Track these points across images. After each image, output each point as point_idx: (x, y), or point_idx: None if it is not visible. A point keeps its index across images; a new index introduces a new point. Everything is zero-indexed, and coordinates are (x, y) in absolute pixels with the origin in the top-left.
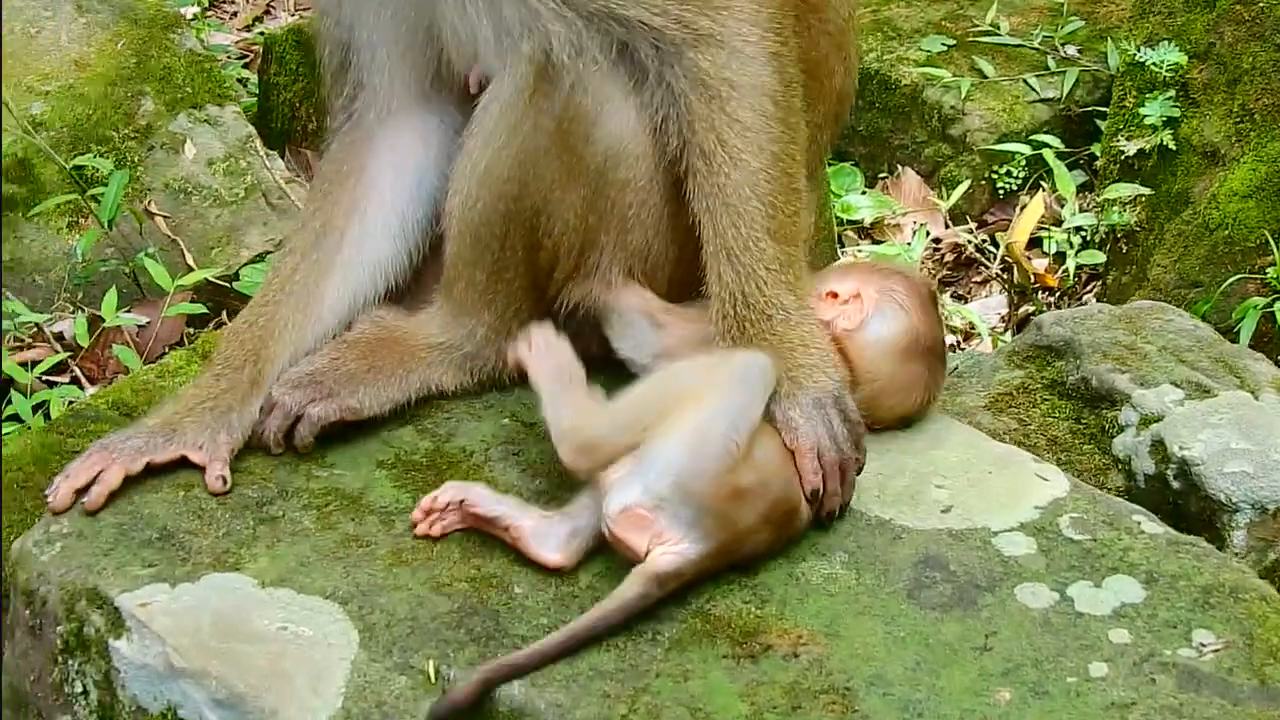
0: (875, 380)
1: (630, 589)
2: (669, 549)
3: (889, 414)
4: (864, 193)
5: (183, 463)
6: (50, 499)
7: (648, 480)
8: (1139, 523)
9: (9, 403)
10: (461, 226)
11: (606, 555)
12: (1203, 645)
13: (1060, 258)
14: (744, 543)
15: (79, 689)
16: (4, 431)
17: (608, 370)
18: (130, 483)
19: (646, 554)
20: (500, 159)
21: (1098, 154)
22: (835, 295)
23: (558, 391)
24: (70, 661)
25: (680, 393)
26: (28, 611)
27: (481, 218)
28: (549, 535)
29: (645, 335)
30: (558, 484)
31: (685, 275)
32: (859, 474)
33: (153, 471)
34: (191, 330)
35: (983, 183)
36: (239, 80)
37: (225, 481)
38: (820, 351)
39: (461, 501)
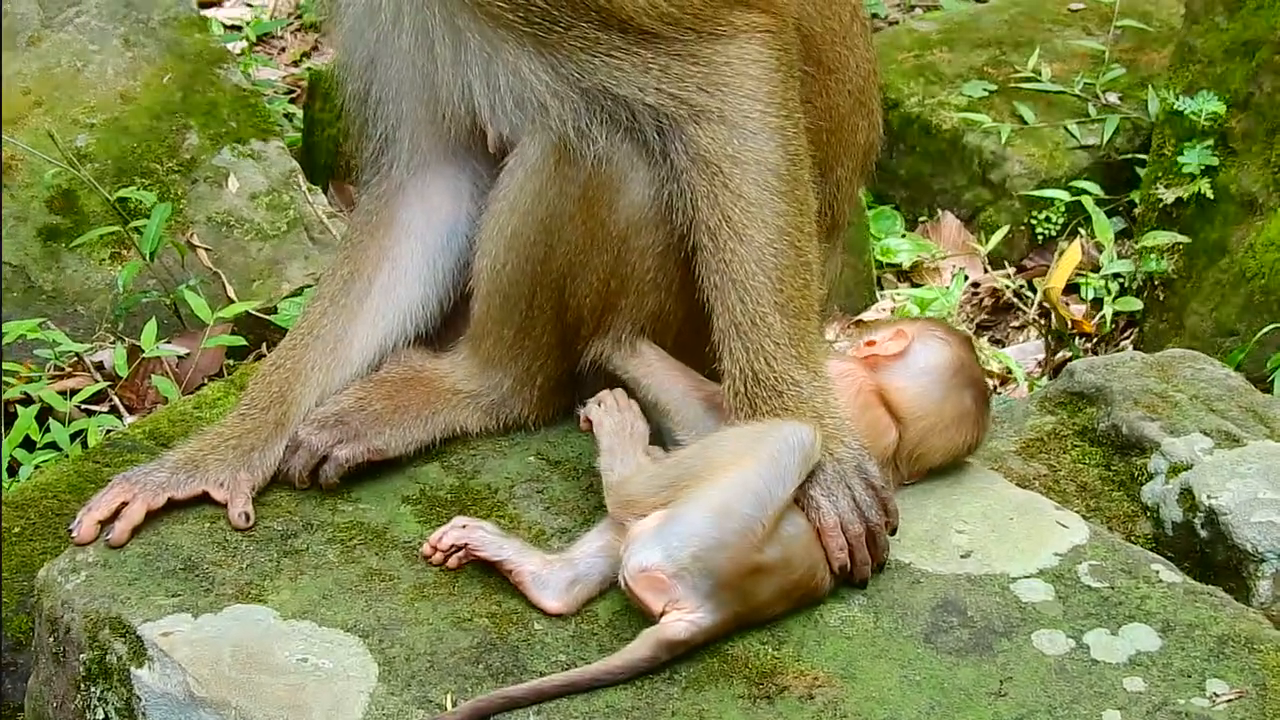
0: (923, 417)
1: (639, 650)
2: (683, 616)
3: (939, 454)
4: (904, 236)
5: (204, 499)
6: (74, 532)
7: (670, 546)
8: (1157, 571)
9: (46, 430)
10: (490, 287)
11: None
12: (1216, 695)
13: (1097, 304)
14: (760, 614)
15: (100, 716)
16: (41, 459)
17: None
18: (156, 514)
19: (661, 614)
20: (527, 223)
21: (1136, 201)
22: (874, 344)
23: (615, 447)
24: (92, 689)
25: (720, 460)
26: (51, 639)
27: (510, 280)
28: (549, 582)
29: (705, 421)
30: (580, 522)
31: (691, 335)
32: (892, 534)
33: (174, 505)
34: (231, 362)
35: (1022, 228)
36: (285, 115)
37: (248, 518)
38: (835, 421)
39: (466, 545)
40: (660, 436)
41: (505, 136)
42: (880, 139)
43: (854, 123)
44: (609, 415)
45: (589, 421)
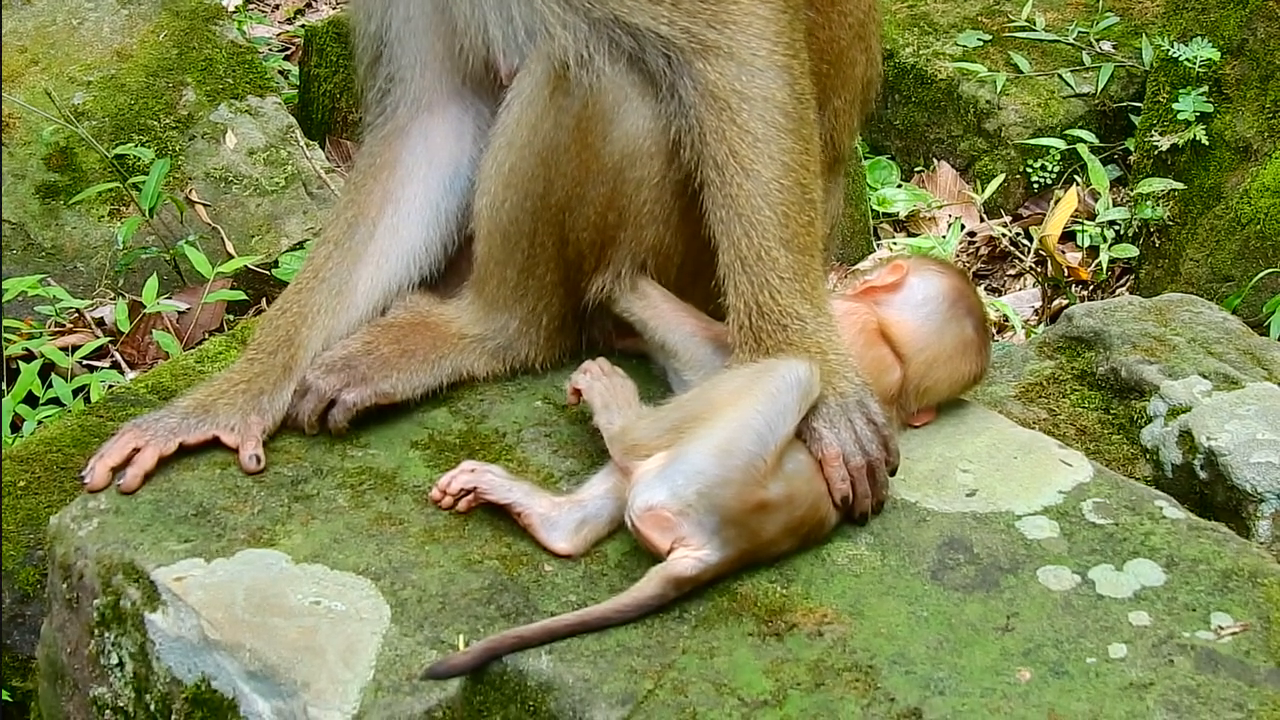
0: (925, 349)
1: (647, 588)
2: (690, 553)
3: (944, 387)
4: (900, 186)
5: (215, 444)
6: (87, 479)
7: (675, 484)
8: (1161, 508)
9: (49, 386)
10: (491, 227)
11: (632, 535)
12: (1221, 628)
13: (1093, 251)
14: (766, 551)
15: (115, 661)
16: (44, 415)
17: (624, 365)
18: (167, 460)
19: (668, 552)
20: (524, 158)
21: (1131, 149)
22: (869, 280)
23: (609, 403)
24: (106, 634)
25: (720, 400)
26: (65, 585)
27: (509, 217)
28: (558, 524)
29: (713, 360)
30: (588, 464)
31: (692, 272)
32: (892, 474)
33: (186, 451)
34: (231, 317)
35: (1017, 177)
36: (280, 72)
37: (259, 461)
38: (839, 357)
39: (474, 489)
40: (664, 381)
41: (516, 69)
42: (879, 74)
43: (853, 56)
44: (596, 380)
45: (577, 392)
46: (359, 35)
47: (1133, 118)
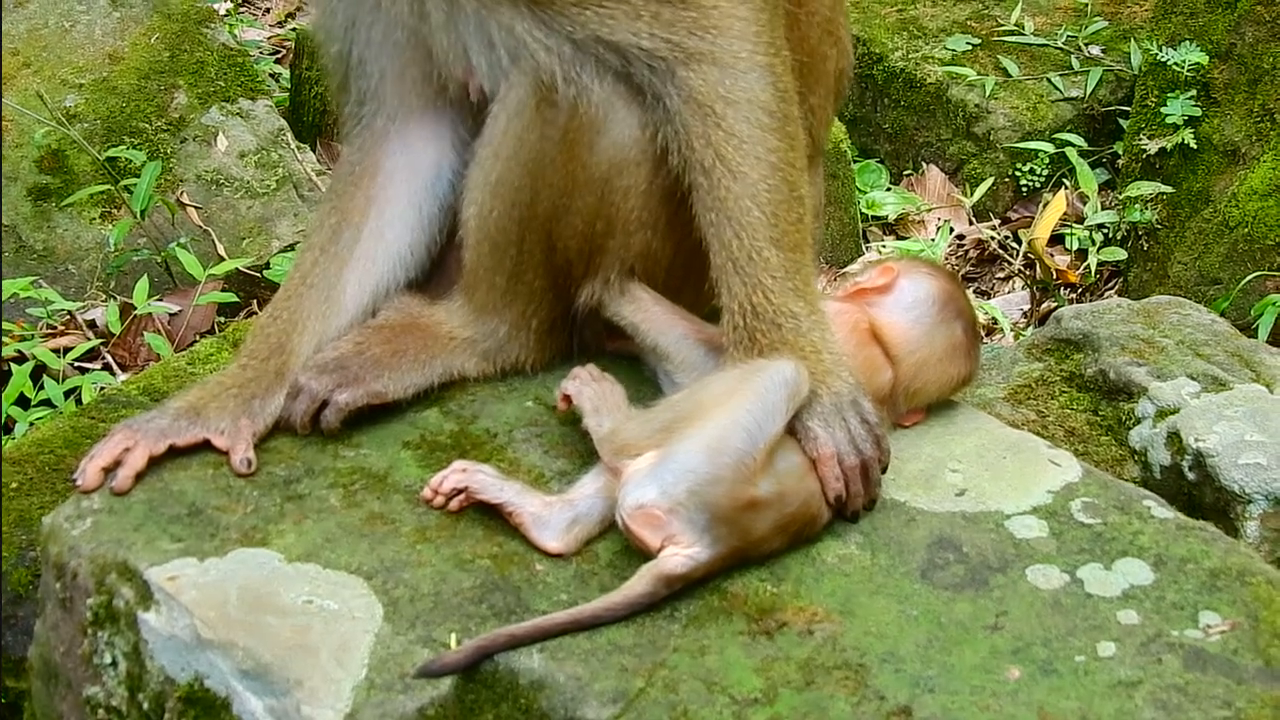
0: (915, 351)
1: (638, 586)
2: (680, 551)
3: (934, 388)
4: (889, 189)
5: (205, 446)
6: (78, 480)
7: (665, 482)
8: (1149, 507)
9: (40, 387)
10: (479, 235)
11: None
12: (1209, 627)
13: (1082, 254)
14: (757, 549)
15: (108, 660)
16: (36, 417)
17: (615, 368)
18: (160, 460)
19: (659, 550)
20: (510, 169)
21: (1120, 152)
22: (860, 282)
23: (599, 407)
24: (100, 633)
25: (710, 400)
26: (58, 585)
27: (497, 226)
28: (549, 523)
29: (705, 362)
30: (579, 464)
31: (681, 276)
32: (884, 472)
33: (176, 452)
34: (222, 319)
35: (1006, 180)
36: (271, 75)
37: (250, 464)
38: (833, 356)
39: (466, 488)
40: (655, 383)
41: (487, 89)
42: (851, 64)
43: (824, 51)
44: (585, 386)
45: (567, 399)
46: (327, 54)
47: (1121, 121)
